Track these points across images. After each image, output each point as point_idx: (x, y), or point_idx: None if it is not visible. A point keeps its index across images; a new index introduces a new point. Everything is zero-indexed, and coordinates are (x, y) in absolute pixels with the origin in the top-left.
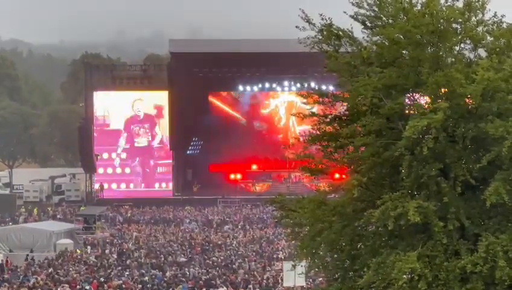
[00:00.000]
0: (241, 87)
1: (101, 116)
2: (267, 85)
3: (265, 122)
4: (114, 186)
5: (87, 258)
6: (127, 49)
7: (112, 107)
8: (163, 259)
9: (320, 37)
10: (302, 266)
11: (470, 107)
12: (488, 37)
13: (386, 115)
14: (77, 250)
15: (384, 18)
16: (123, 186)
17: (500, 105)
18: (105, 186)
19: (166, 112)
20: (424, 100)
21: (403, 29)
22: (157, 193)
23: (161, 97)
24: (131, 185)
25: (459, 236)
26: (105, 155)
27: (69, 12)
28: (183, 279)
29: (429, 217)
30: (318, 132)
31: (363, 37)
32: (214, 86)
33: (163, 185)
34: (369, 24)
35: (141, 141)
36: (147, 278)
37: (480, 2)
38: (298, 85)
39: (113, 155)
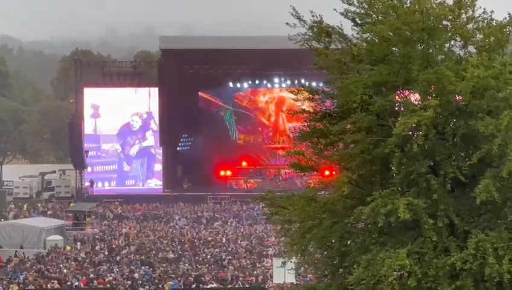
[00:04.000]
0: (231, 84)
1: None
2: (257, 82)
3: (255, 118)
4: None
5: (77, 255)
6: (117, 46)
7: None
8: (153, 256)
9: (311, 34)
10: (292, 262)
11: (460, 104)
12: (478, 34)
13: (376, 112)
14: (67, 246)
15: (374, 15)
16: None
17: (490, 102)
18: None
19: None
20: (414, 97)
21: (393, 27)
22: (147, 189)
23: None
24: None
25: (449, 233)
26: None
27: (60, 9)
28: (173, 275)
29: (419, 214)
30: (308, 129)
31: (353, 34)
32: (204, 82)
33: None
34: (359, 21)
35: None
36: (136, 274)
37: None
38: (288, 82)
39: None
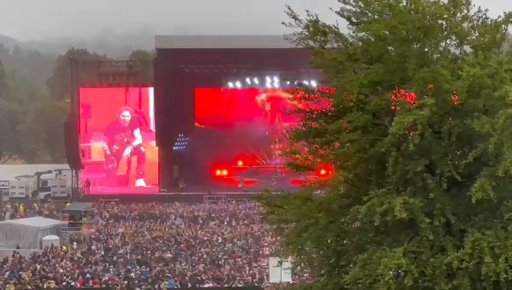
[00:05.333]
0: (227, 84)
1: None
2: (253, 81)
3: (251, 118)
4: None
5: (73, 255)
6: (113, 46)
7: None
8: (149, 255)
9: (306, 33)
10: (288, 262)
11: (455, 103)
12: (473, 33)
13: (372, 111)
14: (63, 246)
15: (370, 14)
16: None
17: (486, 101)
18: None
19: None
20: (410, 96)
21: (389, 26)
22: (143, 189)
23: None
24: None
25: (445, 232)
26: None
27: (55, 9)
28: (169, 275)
29: (415, 213)
30: (304, 128)
31: (349, 33)
32: (200, 82)
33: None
34: (355, 20)
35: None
36: (133, 274)
37: None
38: (284, 81)
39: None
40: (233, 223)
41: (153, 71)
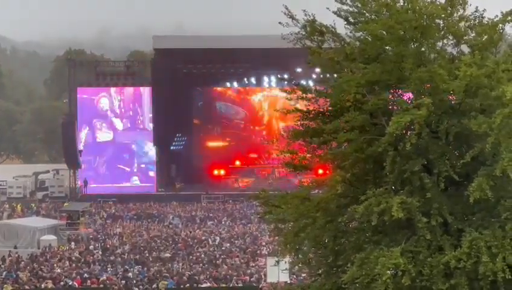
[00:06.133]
0: (224, 83)
1: None
2: (250, 81)
3: (249, 118)
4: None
5: (71, 254)
6: (111, 46)
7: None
8: (147, 255)
9: (304, 33)
10: (285, 261)
11: (453, 103)
12: (470, 33)
13: (369, 110)
14: (61, 246)
15: (367, 14)
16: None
17: (483, 101)
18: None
19: None
20: (407, 96)
21: (386, 25)
22: (140, 188)
23: None
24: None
25: (443, 232)
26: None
27: (53, 9)
28: (167, 275)
29: (413, 213)
30: (301, 128)
31: (346, 33)
32: (197, 82)
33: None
34: (352, 20)
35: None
36: (130, 274)
37: None
38: (282, 81)
39: None
40: (231, 222)
41: (150, 71)
